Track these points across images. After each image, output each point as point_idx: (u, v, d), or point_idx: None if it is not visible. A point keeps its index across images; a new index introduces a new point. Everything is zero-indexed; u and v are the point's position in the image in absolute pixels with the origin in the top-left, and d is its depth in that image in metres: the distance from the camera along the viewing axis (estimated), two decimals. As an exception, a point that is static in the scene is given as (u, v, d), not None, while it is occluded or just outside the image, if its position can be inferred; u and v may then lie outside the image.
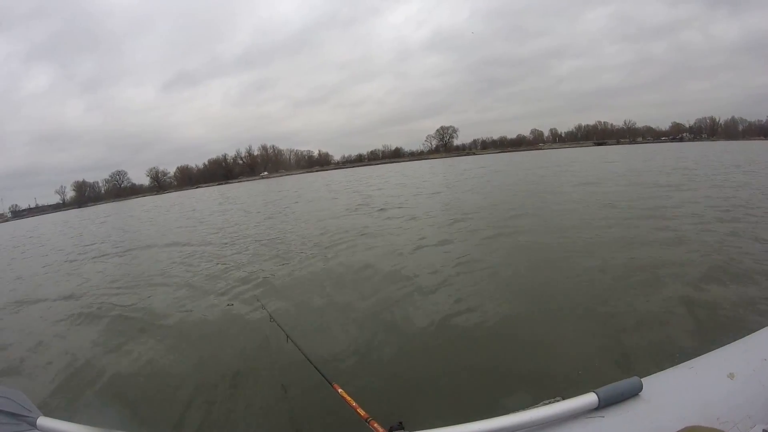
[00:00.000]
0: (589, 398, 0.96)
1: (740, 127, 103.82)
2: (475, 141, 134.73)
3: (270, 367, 3.37)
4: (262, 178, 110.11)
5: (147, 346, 4.24)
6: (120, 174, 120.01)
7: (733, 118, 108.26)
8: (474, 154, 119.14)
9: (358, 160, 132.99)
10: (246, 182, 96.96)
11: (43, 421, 1.15)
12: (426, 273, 5.38)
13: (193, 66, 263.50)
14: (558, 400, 0.98)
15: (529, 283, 4.64)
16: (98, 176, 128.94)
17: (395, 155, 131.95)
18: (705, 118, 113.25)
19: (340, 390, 1.70)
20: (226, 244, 9.54)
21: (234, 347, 3.89)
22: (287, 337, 2.57)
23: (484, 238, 7.03)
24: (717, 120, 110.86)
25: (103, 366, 3.85)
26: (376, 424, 1.30)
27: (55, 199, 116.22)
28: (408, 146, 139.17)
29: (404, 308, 4.30)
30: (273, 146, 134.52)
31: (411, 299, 4.54)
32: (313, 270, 6.25)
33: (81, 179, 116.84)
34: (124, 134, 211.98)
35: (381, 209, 12.18)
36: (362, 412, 1.43)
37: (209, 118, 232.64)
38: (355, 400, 1.54)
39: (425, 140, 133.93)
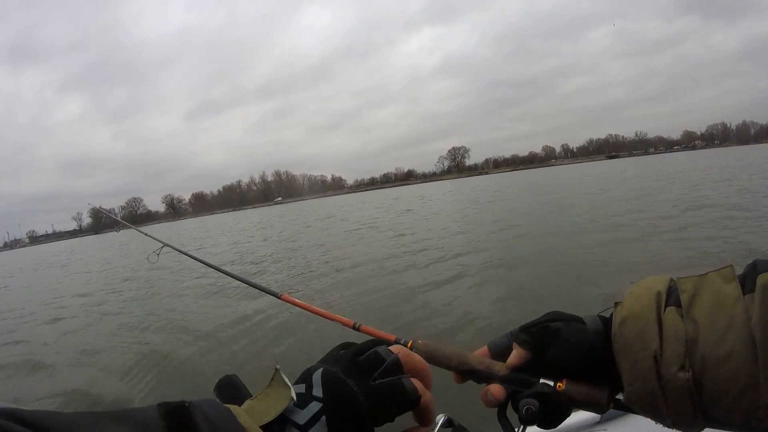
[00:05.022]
0: None
1: (752, 131, 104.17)
2: (487, 160, 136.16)
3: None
4: (276, 203, 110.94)
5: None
6: (136, 201, 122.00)
7: (744, 122, 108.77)
8: (486, 173, 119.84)
9: (371, 184, 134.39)
10: (260, 208, 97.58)
11: None
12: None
13: (216, 95, 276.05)
14: None
15: (537, 290, 4.60)
16: (118, 203, 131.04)
17: (407, 177, 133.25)
18: (716, 124, 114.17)
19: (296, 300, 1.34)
20: None
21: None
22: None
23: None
24: (728, 125, 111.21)
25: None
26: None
27: (72, 226, 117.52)
28: (420, 168, 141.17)
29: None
30: (286, 172, 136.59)
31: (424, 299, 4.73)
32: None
33: (98, 206, 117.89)
34: (145, 162, 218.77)
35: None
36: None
37: (229, 145, 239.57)
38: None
39: (437, 161, 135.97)
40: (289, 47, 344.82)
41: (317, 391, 0.34)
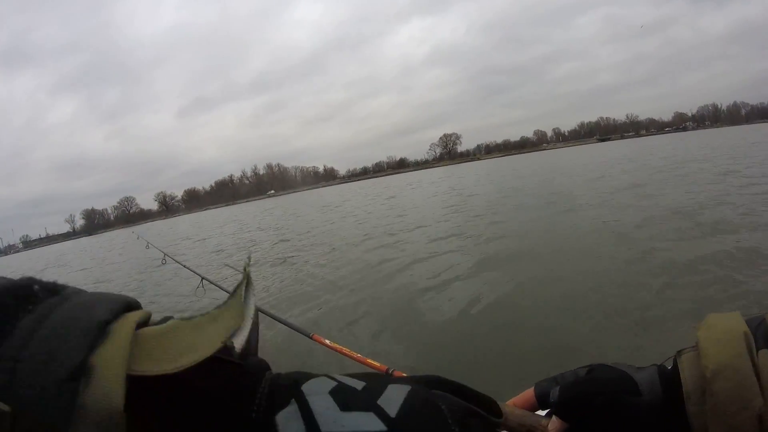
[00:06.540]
0: None
1: (743, 112, 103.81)
2: (479, 146, 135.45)
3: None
4: (269, 196, 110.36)
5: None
6: (128, 200, 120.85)
7: (735, 103, 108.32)
8: (479, 159, 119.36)
9: (364, 173, 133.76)
10: (254, 201, 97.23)
11: None
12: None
13: (209, 91, 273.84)
14: None
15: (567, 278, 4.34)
16: (112, 202, 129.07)
17: (400, 166, 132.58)
18: (707, 105, 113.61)
19: (328, 342, 1.49)
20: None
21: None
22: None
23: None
24: (719, 106, 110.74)
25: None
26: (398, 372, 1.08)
27: (66, 228, 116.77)
28: (413, 156, 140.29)
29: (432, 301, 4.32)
30: (278, 164, 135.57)
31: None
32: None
33: (90, 207, 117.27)
34: (140, 160, 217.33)
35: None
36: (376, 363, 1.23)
37: (222, 141, 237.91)
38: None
39: (429, 149, 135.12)
40: (281, 41, 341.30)
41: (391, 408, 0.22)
